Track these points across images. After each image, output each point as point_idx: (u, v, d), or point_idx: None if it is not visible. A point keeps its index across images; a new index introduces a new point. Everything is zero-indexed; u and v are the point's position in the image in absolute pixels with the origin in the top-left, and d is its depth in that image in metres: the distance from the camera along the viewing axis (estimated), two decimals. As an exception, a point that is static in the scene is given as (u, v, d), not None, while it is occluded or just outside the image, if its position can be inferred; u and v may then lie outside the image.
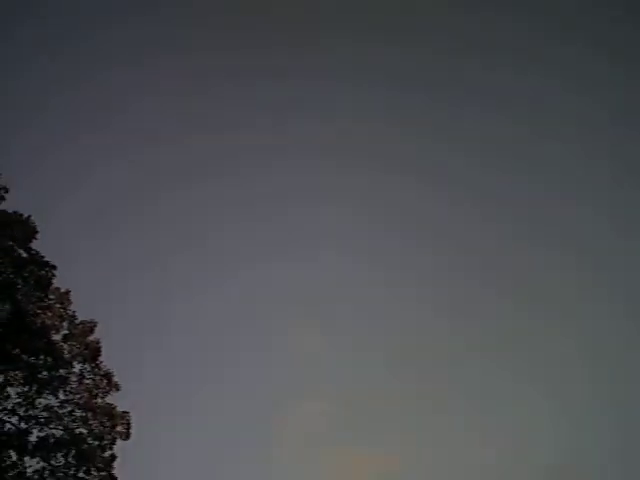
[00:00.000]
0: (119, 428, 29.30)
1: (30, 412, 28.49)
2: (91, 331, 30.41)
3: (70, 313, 30.40)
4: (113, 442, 29.10)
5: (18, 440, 27.91)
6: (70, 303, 30.54)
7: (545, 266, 55.53)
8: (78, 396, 29.29)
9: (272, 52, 53.95)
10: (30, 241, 30.20)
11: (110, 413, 29.34)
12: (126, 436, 29.36)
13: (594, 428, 48.29)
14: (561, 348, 52.46)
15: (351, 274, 54.36)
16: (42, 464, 28.04)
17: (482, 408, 50.30)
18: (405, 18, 55.42)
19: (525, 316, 54.65)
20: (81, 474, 28.24)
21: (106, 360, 30.24)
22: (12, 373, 28.56)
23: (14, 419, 28.24)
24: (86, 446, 28.62)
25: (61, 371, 29.40)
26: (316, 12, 55.87)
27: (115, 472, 28.81)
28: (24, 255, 30.03)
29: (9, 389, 28.45)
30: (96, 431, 29.00)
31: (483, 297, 55.30)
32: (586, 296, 54.70)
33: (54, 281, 30.34)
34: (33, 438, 28.25)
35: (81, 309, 30.73)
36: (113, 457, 28.92)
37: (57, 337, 29.87)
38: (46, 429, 28.53)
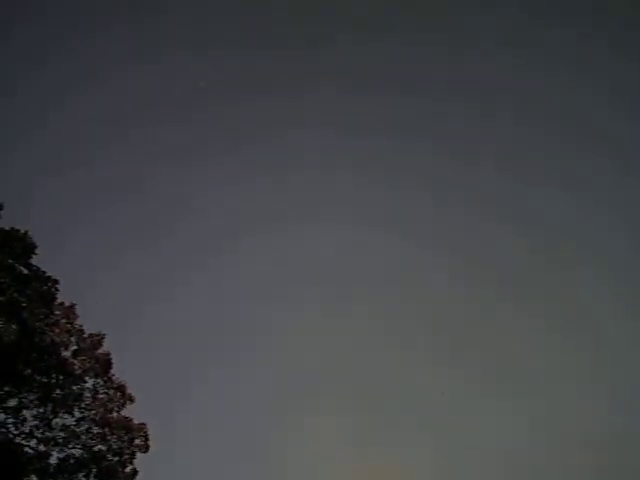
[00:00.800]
0: (137, 441, 29.14)
1: (48, 433, 28.14)
2: (100, 344, 30.03)
3: (77, 327, 29.93)
4: (133, 456, 28.98)
5: (39, 463, 27.60)
6: (76, 317, 30.06)
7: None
8: (93, 412, 28.98)
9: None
10: (30, 257, 29.49)
11: (127, 426, 29.13)
12: (145, 449, 29.24)
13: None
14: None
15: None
16: (65, 486, 27.86)
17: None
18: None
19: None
20: (105, 492, 28.15)
21: (117, 372, 30.02)
22: (26, 395, 28.04)
23: (32, 442, 27.89)
24: (106, 463, 28.44)
25: (74, 388, 29.04)
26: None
27: (138, 486, 28.80)
28: (25, 272, 29.32)
29: (25, 412, 27.98)
30: (115, 447, 28.81)
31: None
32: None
33: (58, 296, 29.81)
34: (53, 460, 28.01)
35: (87, 321, 30.37)
36: (135, 472, 28.83)
37: (66, 353, 29.42)
38: (65, 450, 28.26)
